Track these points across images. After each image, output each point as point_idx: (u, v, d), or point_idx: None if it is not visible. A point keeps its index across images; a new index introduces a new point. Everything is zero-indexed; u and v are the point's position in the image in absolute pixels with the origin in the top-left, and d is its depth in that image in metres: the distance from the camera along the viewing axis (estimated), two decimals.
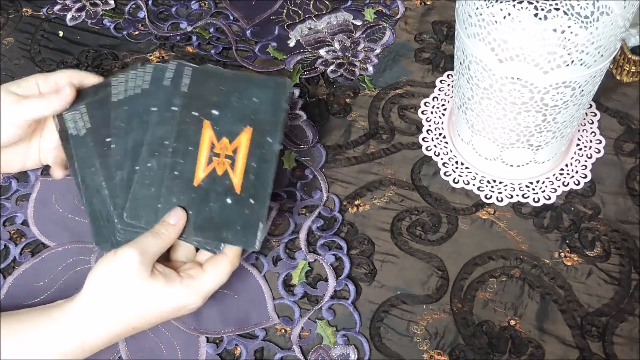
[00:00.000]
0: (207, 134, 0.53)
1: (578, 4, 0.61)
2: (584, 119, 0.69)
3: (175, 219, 0.51)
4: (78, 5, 0.83)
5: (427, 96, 0.72)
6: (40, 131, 0.58)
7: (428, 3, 0.82)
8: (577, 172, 0.66)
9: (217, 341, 0.56)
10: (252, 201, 0.53)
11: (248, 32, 0.80)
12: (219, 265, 0.52)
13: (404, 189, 0.65)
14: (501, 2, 0.61)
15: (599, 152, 0.67)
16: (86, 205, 0.54)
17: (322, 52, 0.77)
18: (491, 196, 0.64)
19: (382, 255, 0.61)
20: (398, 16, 0.80)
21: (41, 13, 0.82)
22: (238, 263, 0.53)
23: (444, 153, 0.67)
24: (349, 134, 0.70)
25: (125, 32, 0.80)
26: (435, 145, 0.68)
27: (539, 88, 0.54)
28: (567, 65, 0.52)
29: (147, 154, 0.53)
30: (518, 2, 0.64)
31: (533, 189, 0.64)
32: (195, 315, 0.57)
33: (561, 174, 0.65)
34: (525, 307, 0.58)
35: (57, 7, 0.83)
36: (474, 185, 0.65)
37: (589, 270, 0.60)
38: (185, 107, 0.54)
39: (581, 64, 0.52)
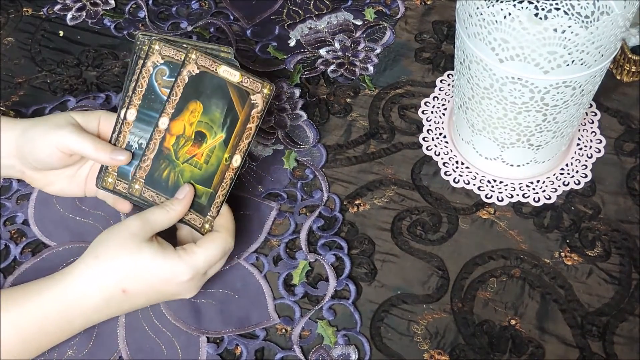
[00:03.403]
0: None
1: (578, 4, 0.61)
2: (584, 118, 0.69)
3: (183, 193, 0.54)
4: (78, 5, 0.83)
5: (428, 96, 0.72)
6: (91, 165, 0.60)
7: (428, 3, 0.82)
8: (577, 171, 0.66)
9: (218, 341, 0.56)
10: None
11: (248, 32, 0.80)
12: (211, 241, 0.53)
13: (404, 189, 0.65)
14: (501, 2, 0.62)
15: (599, 151, 0.67)
16: None
17: (322, 52, 0.77)
18: (491, 196, 0.64)
19: (382, 255, 0.61)
20: (398, 16, 0.80)
21: (41, 13, 0.82)
22: (231, 242, 0.54)
23: (444, 153, 0.67)
24: (349, 133, 0.70)
25: (125, 32, 0.80)
26: (435, 145, 0.68)
27: (539, 88, 0.54)
28: (568, 65, 0.52)
29: None
30: (518, 2, 0.64)
31: (533, 189, 0.64)
32: (196, 315, 0.57)
33: (561, 174, 0.65)
34: (525, 306, 0.58)
35: (58, 6, 0.83)
36: (474, 185, 0.65)
37: (589, 270, 0.60)
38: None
39: (581, 64, 0.52)
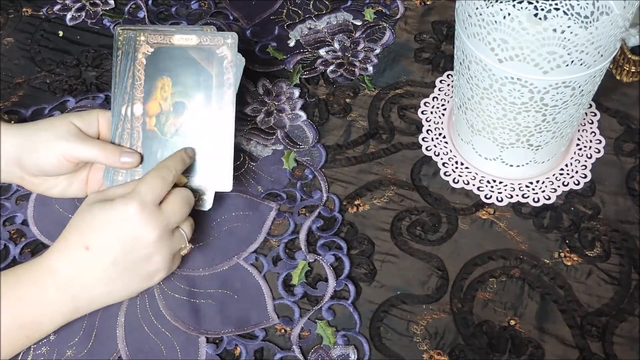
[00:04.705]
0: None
1: (578, 4, 0.61)
2: (584, 119, 0.69)
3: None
4: (78, 5, 0.83)
5: (427, 96, 0.72)
6: (90, 165, 0.60)
7: (428, 3, 0.82)
8: (577, 172, 0.66)
9: (217, 341, 0.56)
10: None
11: (248, 32, 0.80)
12: (149, 173, 0.54)
13: (403, 189, 0.65)
14: (501, 2, 0.61)
15: (599, 152, 0.67)
16: None
17: (322, 52, 0.77)
18: (491, 196, 0.64)
19: (382, 255, 0.61)
20: (398, 16, 0.80)
21: (41, 13, 0.82)
22: (170, 173, 0.54)
23: (443, 153, 0.67)
24: (348, 134, 0.70)
25: None
26: (435, 145, 0.68)
27: (539, 88, 0.54)
28: (567, 65, 0.52)
29: None
30: (518, 2, 0.64)
31: (533, 189, 0.64)
32: (195, 315, 0.57)
33: (561, 174, 0.65)
34: (525, 307, 0.58)
35: (57, 7, 0.83)
36: (473, 185, 0.65)
37: (589, 270, 0.60)
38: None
39: (581, 64, 0.52)
